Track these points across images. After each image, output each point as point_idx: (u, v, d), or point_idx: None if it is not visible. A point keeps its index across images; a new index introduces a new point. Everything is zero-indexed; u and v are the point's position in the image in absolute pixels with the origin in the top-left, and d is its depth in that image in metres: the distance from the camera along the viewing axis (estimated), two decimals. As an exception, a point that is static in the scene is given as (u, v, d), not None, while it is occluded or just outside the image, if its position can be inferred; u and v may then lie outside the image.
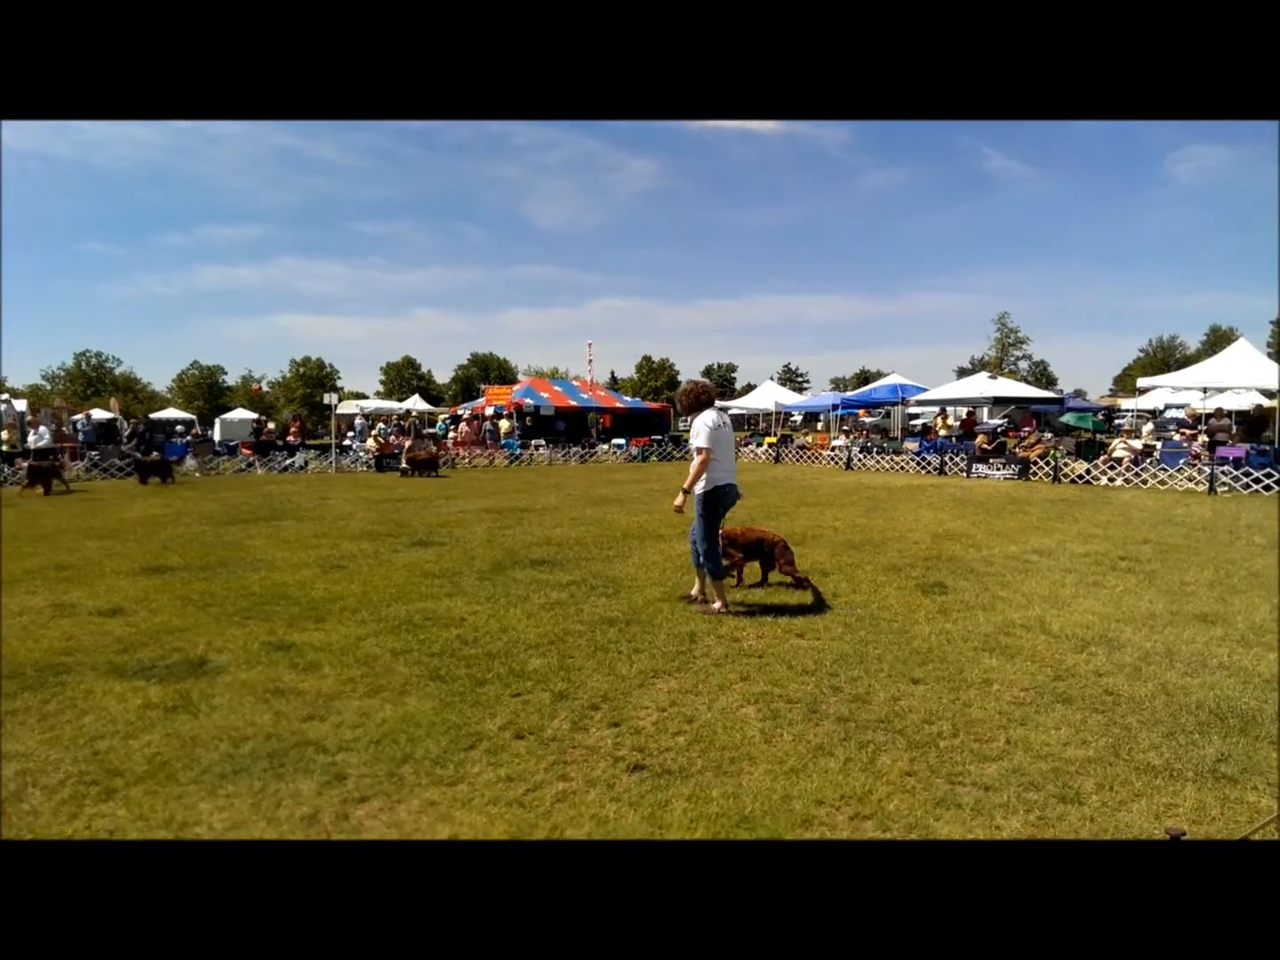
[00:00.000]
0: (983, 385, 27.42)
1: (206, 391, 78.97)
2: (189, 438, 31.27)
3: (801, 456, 28.79)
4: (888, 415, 38.05)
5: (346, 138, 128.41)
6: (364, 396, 60.71)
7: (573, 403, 34.53)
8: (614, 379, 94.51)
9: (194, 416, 49.78)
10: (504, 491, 17.45)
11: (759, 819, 3.28)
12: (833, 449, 28.37)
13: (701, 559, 6.62)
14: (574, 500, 15.45)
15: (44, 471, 17.55)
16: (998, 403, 28.39)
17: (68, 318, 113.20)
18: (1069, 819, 3.31)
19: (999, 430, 27.71)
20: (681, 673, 5.08)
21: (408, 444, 24.89)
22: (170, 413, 51.01)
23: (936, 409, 30.31)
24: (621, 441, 31.51)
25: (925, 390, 29.47)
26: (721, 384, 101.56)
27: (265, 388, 76.77)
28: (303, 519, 12.79)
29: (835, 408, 33.24)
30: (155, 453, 22.89)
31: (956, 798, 3.48)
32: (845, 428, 34.27)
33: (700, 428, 6.48)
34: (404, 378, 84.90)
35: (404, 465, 22.71)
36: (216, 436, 36.52)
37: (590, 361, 37.11)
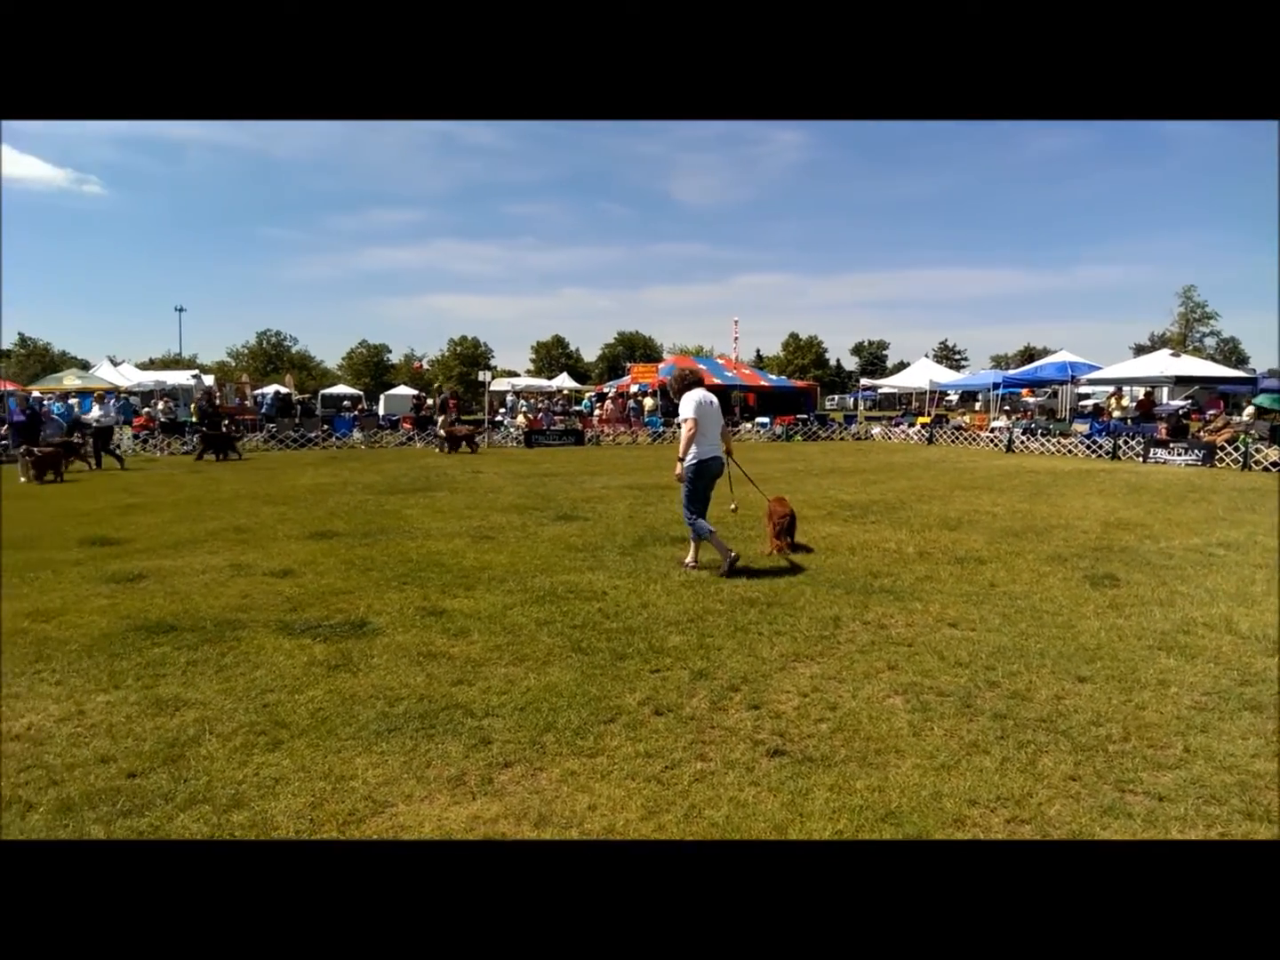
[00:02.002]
0: (1163, 363, 25.13)
1: (373, 369, 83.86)
2: (355, 412, 33.35)
3: (957, 438, 27.45)
4: (1054, 395, 35.68)
5: (500, 121, 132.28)
6: (515, 374, 62.66)
7: (716, 380, 34.26)
8: (759, 356, 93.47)
9: (361, 392, 53.02)
10: (646, 469, 17.59)
11: (906, 815, 3.13)
12: (992, 430, 26.88)
13: (687, 521, 7.28)
14: (716, 478, 15.36)
15: (55, 456, 16.00)
16: (1180, 382, 25.96)
17: (251, 299, 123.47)
18: (1257, 837, 2.98)
19: (1181, 412, 25.40)
20: (824, 658, 4.94)
21: (440, 420, 24.81)
22: (340, 388, 54.56)
23: (1110, 388, 28.08)
24: (765, 420, 31.09)
25: (1098, 368, 27.32)
26: (872, 361, 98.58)
27: (426, 365, 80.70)
28: (456, 491, 13.38)
29: (996, 386, 31.38)
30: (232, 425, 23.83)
31: (1126, 806, 3.20)
32: (1006, 408, 32.35)
33: (688, 402, 7.16)
34: (553, 356, 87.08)
35: (442, 439, 22.98)
36: (381, 411, 38.84)
37: (735, 339, 36.74)
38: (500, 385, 39.93)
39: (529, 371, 77.51)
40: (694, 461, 7.10)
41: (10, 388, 24.94)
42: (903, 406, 45.98)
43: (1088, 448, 22.34)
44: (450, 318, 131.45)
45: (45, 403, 23.78)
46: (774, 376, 44.55)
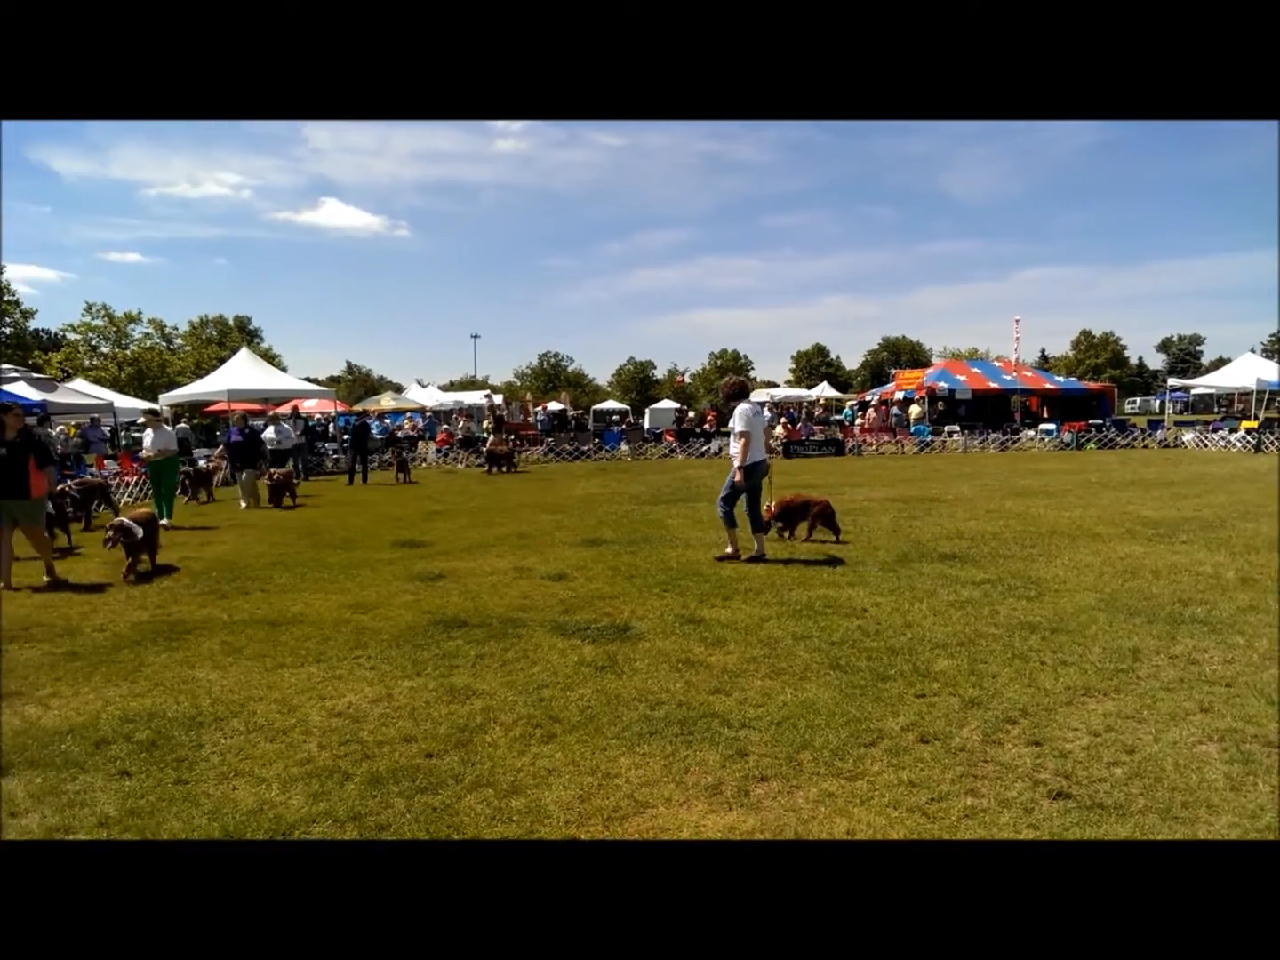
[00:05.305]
0: None
1: (639, 384, 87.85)
2: (624, 426, 35.08)
3: (1293, 444, 23.37)
4: None
5: (762, 135, 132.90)
6: (774, 385, 62.67)
7: (993, 385, 31.97)
8: (1044, 357, 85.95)
9: (628, 407, 55.74)
10: (912, 480, 16.78)
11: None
12: (1342, 435, 22.57)
13: (719, 512, 8.34)
14: (990, 491, 14.31)
15: (280, 487, 14.69)
16: None
17: (533, 323, 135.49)
18: None
19: None
20: (1120, 694, 4.40)
21: (491, 438, 23.70)
22: (610, 404, 57.80)
23: None
24: (1051, 427, 28.44)
25: None
26: (1183, 358, 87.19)
27: (687, 379, 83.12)
28: (714, 502, 13.57)
29: (1345, 383, 26.36)
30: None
31: None
32: (1362, 408, 27.02)
33: (740, 415, 8.03)
34: (813, 365, 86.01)
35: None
36: (646, 424, 40.58)
37: (1016, 339, 33.89)
38: (758, 396, 40.07)
39: (788, 382, 77.12)
40: (747, 464, 8.02)
41: (341, 409, 28.94)
42: (1222, 409, 40.15)
43: None
44: (711, 332, 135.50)
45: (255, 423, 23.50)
46: (1062, 379, 40.55)
